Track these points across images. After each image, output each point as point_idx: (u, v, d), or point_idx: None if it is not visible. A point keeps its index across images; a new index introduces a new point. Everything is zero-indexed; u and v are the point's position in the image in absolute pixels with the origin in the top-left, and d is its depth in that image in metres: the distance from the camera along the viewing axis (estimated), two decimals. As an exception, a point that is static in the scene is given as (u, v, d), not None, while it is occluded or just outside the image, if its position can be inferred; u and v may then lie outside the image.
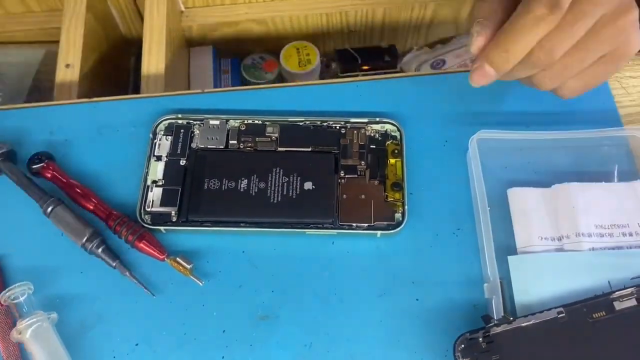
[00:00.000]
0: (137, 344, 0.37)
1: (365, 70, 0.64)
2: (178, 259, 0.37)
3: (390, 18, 0.64)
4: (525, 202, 0.40)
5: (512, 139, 0.41)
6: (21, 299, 0.36)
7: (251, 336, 0.37)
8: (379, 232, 0.39)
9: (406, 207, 0.39)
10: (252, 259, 0.39)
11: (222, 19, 0.63)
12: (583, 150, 0.42)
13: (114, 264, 0.38)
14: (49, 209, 0.39)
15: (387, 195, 0.40)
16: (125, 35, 0.69)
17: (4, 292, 0.36)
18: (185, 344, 0.36)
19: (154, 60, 0.52)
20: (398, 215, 0.39)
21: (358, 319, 0.37)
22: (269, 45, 0.66)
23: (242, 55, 0.66)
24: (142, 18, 0.57)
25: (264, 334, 0.37)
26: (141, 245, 0.38)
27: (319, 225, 0.39)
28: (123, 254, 0.39)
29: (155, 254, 0.38)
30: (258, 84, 0.64)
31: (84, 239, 0.38)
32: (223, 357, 0.36)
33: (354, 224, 0.39)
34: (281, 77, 0.65)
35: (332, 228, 0.39)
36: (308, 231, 0.39)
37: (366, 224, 0.39)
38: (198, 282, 0.37)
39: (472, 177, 0.40)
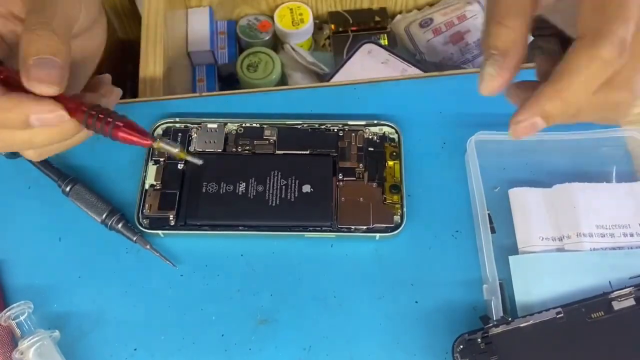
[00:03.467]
0: (135, 349, 0.36)
1: (356, 30, 0.66)
2: (165, 142, 0.33)
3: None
4: (526, 202, 0.40)
5: (510, 141, 0.41)
6: (21, 318, 0.36)
7: (250, 340, 0.37)
8: (377, 235, 0.39)
9: (405, 209, 0.39)
10: (250, 262, 0.39)
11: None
12: (581, 151, 0.41)
13: (135, 238, 0.38)
14: (68, 187, 0.39)
15: (385, 198, 0.40)
16: (123, 40, 0.69)
17: (3, 312, 0.35)
18: (184, 348, 0.36)
19: (151, 63, 0.52)
20: (397, 218, 0.39)
21: (357, 321, 0.37)
22: (263, 7, 0.67)
23: (237, 17, 0.68)
24: (139, 21, 0.57)
25: (263, 337, 0.37)
26: (120, 134, 0.32)
27: (317, 228, 0.39)
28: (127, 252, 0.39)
29: (140, 140, 0.32)
30: (254, 43, 0.66)
31: (104, 215, 0.39)
32: (222, 361, 0.36)
33: (353, 227, 0.39)
34: (276, 37, 0.67)
35: (330, 231, 0.39)
36: (307, 234, 0.39)
37: (365, 227, 0.39)
38: (196, 161, 0.33)
39: (470, 178, 0.40)
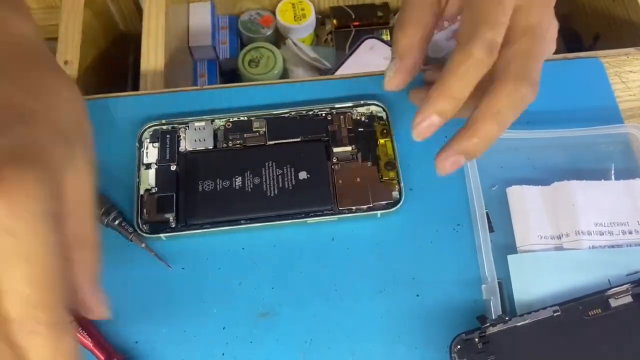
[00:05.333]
0: (136, 342, 0.37)
1: (358, 26, 0.65)
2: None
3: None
4: (524, 200, 0.40)
5: (507, 138, 0.41)
6: None
7: (251, 333, 0.37)
8: (379, 213, 0.39)
9: (402, 184, 0.39)
10: (251, 255, 0.39)
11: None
12: (580, 148, 0.42)
13: (130, 237, 0.38)
14: None
15: (381, 175, 0.40)
16: (124, 31, 0.69)
17: None
18: (185, 341, 0.37)
19: (152, 57, 0.52)
20: (395, 194, 0.39)
21: (358, 315, 0.37)
22: (265, 2, 0.67)
23: (239, 12, 0.68)
24: (140, 14, 0.57)
25: (264, 330, 0.37)
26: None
27: (318, 213, 0.39)
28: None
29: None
30: (256, 38, 0.65)
31: (101, 212, 0.38)
32: (223, 354, 0.36)
33: (354, 207, 0.39)
34: (277, 32, 0.67)
35: (332, 214, 0.39)
36: (309, 220, 0.39)
37: (365, 206, 0.39)
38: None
39: (468, 178, 0.40)
